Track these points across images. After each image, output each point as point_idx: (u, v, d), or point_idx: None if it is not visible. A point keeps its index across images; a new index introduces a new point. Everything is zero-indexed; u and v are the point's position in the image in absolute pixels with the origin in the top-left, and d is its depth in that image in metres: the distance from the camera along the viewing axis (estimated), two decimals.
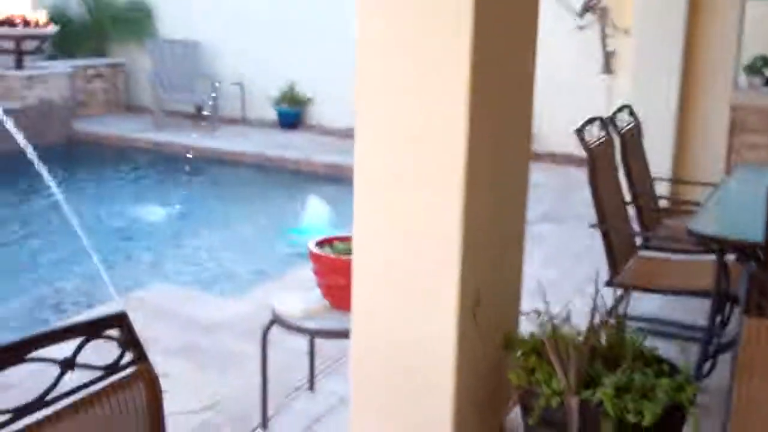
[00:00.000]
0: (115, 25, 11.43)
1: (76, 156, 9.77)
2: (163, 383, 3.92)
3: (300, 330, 3.34)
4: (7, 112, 9.48)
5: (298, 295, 3.50)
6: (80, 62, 11.06)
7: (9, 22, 9.74)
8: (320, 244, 3.42)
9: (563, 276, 5.39)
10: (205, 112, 10.73)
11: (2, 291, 5.59)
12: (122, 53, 11.66)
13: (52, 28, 10.19)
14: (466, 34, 2.50)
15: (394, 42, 2.70)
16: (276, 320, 3.39)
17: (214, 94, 10.41)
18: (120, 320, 1.65)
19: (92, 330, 1.61)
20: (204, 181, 8.69)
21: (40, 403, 1.50)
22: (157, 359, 3.98)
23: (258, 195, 8.39)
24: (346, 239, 3.29)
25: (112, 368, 1.63)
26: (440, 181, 2.67)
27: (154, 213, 7.58)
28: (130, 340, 1.66)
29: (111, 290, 4.48)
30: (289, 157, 9.16)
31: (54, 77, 10.09)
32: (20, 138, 4.60)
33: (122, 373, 1.65)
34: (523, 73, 3.11)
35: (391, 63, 2.72)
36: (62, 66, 10.55)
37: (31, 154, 4.25)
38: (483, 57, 2.57)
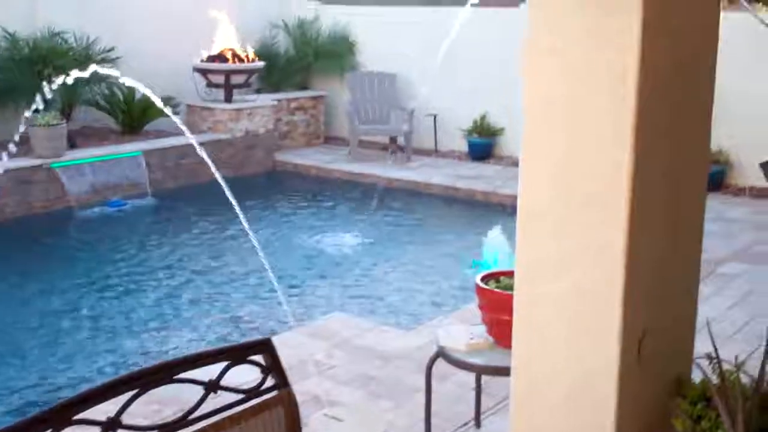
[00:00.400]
0: (318, 59, 11.96)
1: (275, 185, 10.28)
2: (336, 411, 4.04)
3: (463, 366, 3.33)
4: (216, 142, 10.20)
5: (464, 329, 3.50)
6: (284, 95, 11.66)
7: (221, 58, 10.43)
8: (486, 278, 3.40)
9: (749, 318, 5.06)
10: (399, 143, 11.01)
11: (190, 315, 5.94)
12: (323, 86, 12.18)
13: (259, 64, 10.81)
14: (633, 69, 2.42)
15: (558, 78, 2.66)
16: (441, 354, 3.40)
17: (408, 126, 10.64)
18: (264, 346, 1.72)
19: (238, 355, 1.69)
20: (393, 211, 8.87)
21: (183, 422, 1.59)
22: (331, 387, 4.13)
23: (444, 226, 8.46)
24: (512, 274, 3.25)
25: (253, 392, 1.70)
26: (604, 219, 2.59)
27: (342, 242, 7.83)
28: (273, 366, 1.73)
29: (290, 317, 4.65)
30: (477, 189, 9.19)
31: (259, 110, 10.70)
32: (213, 168, 4.88)
33: (264, 397, 1.71)
34: (697, 104, 2.96)
35: (557, 96, 2.68)
36: (267, 99, 11.16)
37: (224, 183, 4.50)
38: (651, 89, 2.48)
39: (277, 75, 11.97)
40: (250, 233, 5.19)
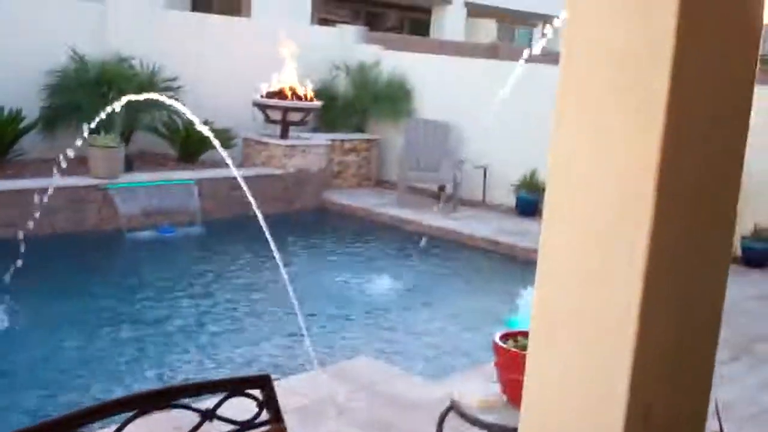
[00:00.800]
0: (376, 104, 12.16)
1: (322, 223, 10.43)
2: None
3: (474, 422, 3.36)
4: (268, 177, 10.41)
5: (479, 385, 3.54)
6: (339, 136, 11.86)
7: (280, 95, 10.68)
8: (505, 337, 3.44)
9: None
10: (447, 192, 11.10)
11: (211, 346, 6.05)
12: (378, 130, 12.36)
13: (317, 103, 11.04)
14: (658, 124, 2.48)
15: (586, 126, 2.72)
16: (453, 408, 3.44)
17: (457, 176, 10.73)
18: (263, 382, 1.80)
19: (237, 387, 1.78)
20: (434, 260, 8.93)
21: None
22: (348, 430, 4.18)
23: (482, 279, 8.48)
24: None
25: (247, 424, 1.77)
26: (616, 299, 2.63)
27: (377, 286, 7.90)
28: (268, 401, 1.80)
29: (312, 358, 4.72)
30: (520, 245, 9.19)
31: (313, 148, 10.90)
32: (254, 204, 5.01)
33: (256, 431, 1.79)
34: (725, 170, 2.99)
35: (579, 155, 2.74)
36: (322, 138, 11.36)
37: (262, 219, 4.61)
38: (676, 147, 2.52)
39: (334, 115, 12.20)
40: (285, 271, 5.28)
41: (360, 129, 12.48)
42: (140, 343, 6.03)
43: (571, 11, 2.84)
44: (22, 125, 9.00)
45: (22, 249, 6.42)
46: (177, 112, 10.12)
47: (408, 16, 25.33)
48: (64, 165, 7.16)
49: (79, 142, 7.17)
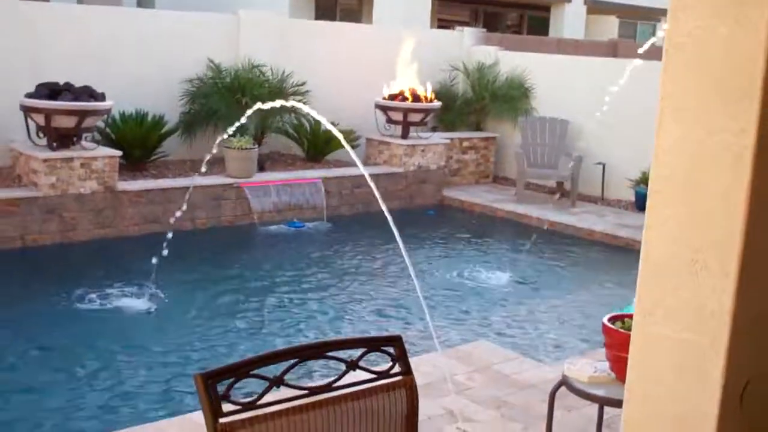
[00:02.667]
0: (494, 103, 12.46)
1: (441, 219, 10.81)
2: (468, 426, 4.44)
3: (583, 395, 3.67)
4: (389, 175, 10.86)
5: (590, 363, 3.84)
6: (457, 134, 12.22)
7: (401, 96, 11.12)
8: (613, 319, 3.73)
9: None
10: (565, 188, 11.30)
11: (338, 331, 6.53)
12: (496, 128, 12.65)
13: (437, 104, 11.42)
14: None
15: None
16: (564, 383, 3.75)
17: (575, 172, 10.91)
18: (395, 340, 2.19)
19: (373, 344, 2.18)
20: (550, 253, 9.18)
21: (328, 388, 2.09)
22: (467, 405, 4.54)
23: (600, 273, 8.67)
24: None
25: (383, 374, 2.17)
26: (713, 284, 2.88)
27: (496, 278, 8.21)
28: (400, 357, 2.19)
29: (435, 341, 5.09)
30: (638, 239, 9.30)
31: (432, 147, 11.29)
32: (380, 199, 5.42)
33: (390, 380, 2.18)
34: None
35: (678, 163, 3.00)
36: (441, 137, 11.74)
37: (388, 214, 4.99)
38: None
39: (453, 115, 12.57)
40: (409, 263, 5.68)
41: (478, 128, 12.80)
42: (280, 322, 6.60)
43: (672, 6, 3.08)
44: (164, 130, 9.75)
45: (167, 242, 7.08)
46: (305, 115, 10.72)
47: (527, 14, 25.40)
48: (203, 167, 7.83)
49: (215, 148, 7.80)
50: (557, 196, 11.20)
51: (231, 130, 7.63)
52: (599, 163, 11.24)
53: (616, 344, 3.66)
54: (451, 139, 11.94)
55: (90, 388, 5.27)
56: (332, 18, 19.63)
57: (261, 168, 10.08)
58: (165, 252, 7.02)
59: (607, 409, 4.00)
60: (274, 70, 10.71)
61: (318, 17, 19.20)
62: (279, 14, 12.64)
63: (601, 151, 11.20)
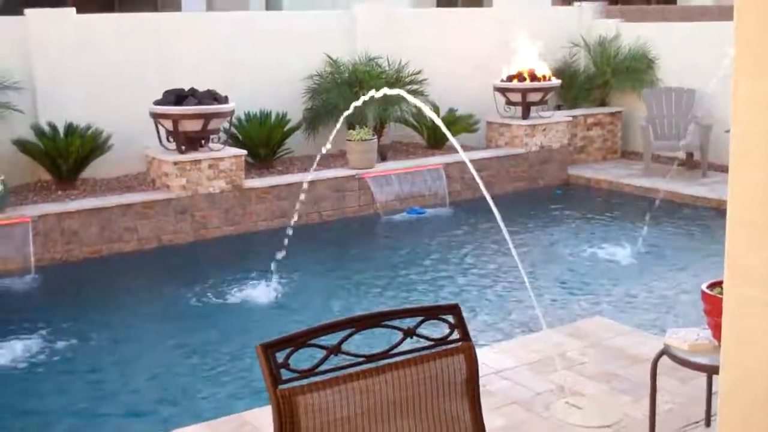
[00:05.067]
0: (617, 76, 12.17)
1: (567, 198, 10.69)
2: (577, 400, 4.45)
3: (685, 363, 3.62)
4: (512, 157, 10.83)
5: (693, 331, 3.77)
6: (581, 111, 12.02)
7: (519, 77, 11.05)
8: (712, 285, 3.65)
9: None
10: (695, 159, 10.93)
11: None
12: (622, 102, 12.36)
13: (555, 82, 11.27)
14: None
15: None
16: (665, 352, 3.70)
17: (704, 142, 10.54)
18: (452, 308, 2.27)
19: (431, 312, 2.26)
20: (678, 227, 8.93)
21: (386, 354, 2.19)
22: (578, 380, 4.54)
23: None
24: None
25: (441, 341, 2.25)
26: None
27: (621, 253, 8.07)
28: (458, 324, 2.27)
29: (540, 319, 5.10)
30: None
31: (554, 126, 11.16)
32: (482, 186, 5.45)
33: (449, 346, 2.26)
34: None
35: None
36: (562, 115, 11.58)
37: (490, 199, 5.01)
38: None
39: (576, 92, 12.36)
40: (532, 242, 5.69)
41: (603, 103, 12.54)
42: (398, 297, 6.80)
43: None
44: (287, 127, 10.09)
45: (296, 234, 7.37)
46: (424, 102, 10.82)
47: None
48: (326, 159, 8.07)
49: (329, 142, 8.00)
50: (689, 168, 10.84)
51: (341, 121, 7.82)
52: (729, 131, 10.76)
53: (715, 310, 3.58)
54: (575, 116, 11.76)
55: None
56: (454, 4, 19.64)
57: (383, 158, 10.27)
58: (292, 244, 7.31)
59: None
60: (390, 61, 10.87)
61: (439, 5, 19.24)
62: (396, 4, 12.78)
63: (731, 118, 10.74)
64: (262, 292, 7.14)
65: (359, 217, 9.54)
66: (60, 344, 6.04)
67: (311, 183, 8.81)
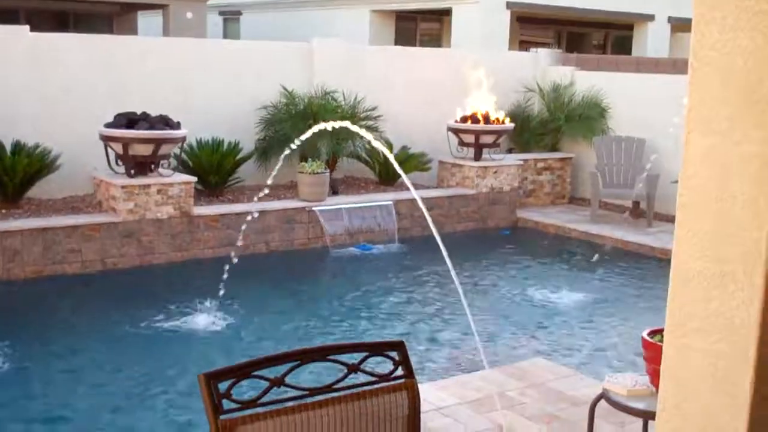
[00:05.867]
0: (570, 123, 12.40)
1: (514, 240, 10.79)
2: None
3: (622, 408, 3.66)
4: (462, 197, 10.92)
5: (630, 377, 3.82)
6: (533, 155, 12.20)
7: (473, 119, 11.18)
8: (653, 333, 3.72)
9: None
10: (641, 208, 11.14)
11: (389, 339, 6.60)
12: (573, 148, 12.57)
13: (509, 125, 11.43)
14: None
15: None
16: (603, 396, 3.75)
17: (652, 191, 10.75)
18: (398, 345, 2.27)
19: (377, 348, 2.26)
20: (624, 274, 9.06)
21: (329, 388, 2.18)
22: (516, 420, 4.55)
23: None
24: None
25: (385, 377, 2.25)
26: (741, 297, 2.88)
27: (566, 298, 8.16)
28: (402, 361, 2.27)
29: (483, 358, 5.12)
30: None
31: (505, 168, 11.30)
32: (432, 225, 5.49)
33: (392, 383, 2.26)
34: None
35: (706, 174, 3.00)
36: (513, 158, 11.74)
37: (439, 238, 5.03)
38: None
39: (528, 136, 12.55)
40: (474, 283, 5.72)
41: (554, 148, 12.74)
42: (341, 330, 6.74)
43: (696, 20, 3.10)
44: (239, 156, 10.06)
45: (243, 263, 7.31)
46: (378, 139, 10.88)
47: (612, 34, 25.13)
48: (277, 190, 8.04)
49: (272, 175, 7.97)
50: (634, 216, 11.04)
51: (287, 151, 7.82)
52: (676, 182, 10.99)
53: (655, 357, 3.64)
54: (526, 160, 11.92)
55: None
56: (412, 44, 19.87)
57: (334, 192, 10.28)
58: (238, 274, 7.25)
59: (652, 423, 3.97)
60: (346, 96, 10.93)
61: (398, 43, 19.47)
62: (358, 42, 12.89)
63: (678, 170, 10.97)
64: (204, 320, 7.07)
65: (308, 250, 9.51)
66: None
67: (261, 213, 8.78)
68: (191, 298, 7.46)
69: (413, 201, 10.37)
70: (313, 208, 9.63)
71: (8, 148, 8.73)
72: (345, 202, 10.05)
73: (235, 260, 7.36)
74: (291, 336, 6.88)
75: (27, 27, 9.45)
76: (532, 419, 4.67)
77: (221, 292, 7.17)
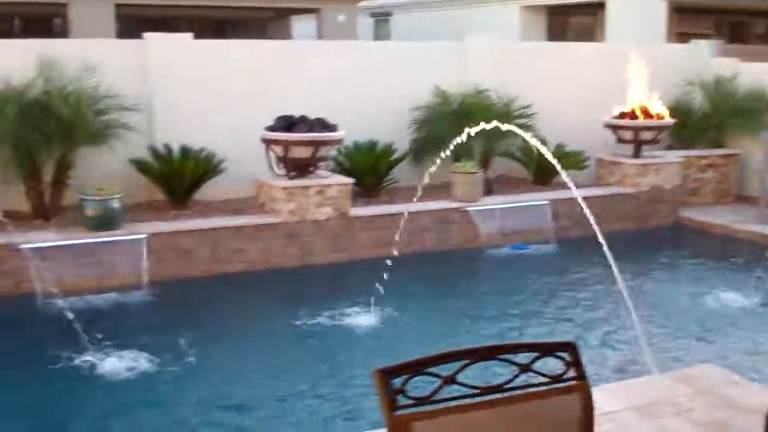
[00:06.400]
0: (734, 117, 11.82)
1: (676, 240, 10.39)
2: None
3: None
4: (621, 195, 10.63)
5: None
6: (693, 152, 11.70)
7: (631, 115, 10.85)
8: None
9: None
10: None
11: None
12: (738, 144, 11.98)
13: (669, 121, 11.02)
14: None
15: None
16: None
17: None
18: (568, 346, 2.23)
19: (547, 348, 2.23)
20: None
21: (500, 388, 2.17)
22: (685, 428, 4.38)
23: None
24: None
25: (556, 379, 2.22)
26: None
27: (730, 301, 7.78)
28: (574, 362, 2.23)
29: (649, 363, 4.96)
30: None
31: (666, 166, 10.90)
32: (594, 224, 5.35)
33: (563, 385, 2.22)
34: None
35: None
36: (675, 155, 11.30)
37: (601, 238, 4.89)
38: None
39: (689, 132, 12.07)
40: (632, 284, 5.56)
41: (718, 144, 12.18)
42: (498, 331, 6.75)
43: None
44: (393, 157, 10.17)
45: (399, 264, 7.39)
46: (533, 137, 10.74)
47: None
48: (431, 191, 8.07)
49: (427, 174, 7.98)
50: None
51: (445, 153, 7.83)
52: None
53: None
54: (688, 156, 11.46)
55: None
56: (563, 39, 19.50)
57: (489, 191, 10.22)
58: (395, 274, 7.32)
59: None
60: (500, 95, 10.85)
61: (549, 38, 19.16)
62: (507, 38, 12.79)
63: None
64: (365, 319, 7.18)
65: (462, 250, 9.50)
66: (168, 358, 6.20)
67: (415, 214, 8.84)
68: (350, 298, 7.60)
69: (568, 200, 10.13)
70: (467, 209, 9.62)
71: (176, 152, 9.17)
72: (499, 201, 9.98)
73: (391, 261, 7.44)
74: (448, 336, 6.91)
75: (190, 35, 9.91)
76: (701, 426, 4.48)
77: (378, 292, 7.26)
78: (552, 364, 2.28)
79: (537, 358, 2.22)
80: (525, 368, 2.19)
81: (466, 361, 2.16)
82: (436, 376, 2.13)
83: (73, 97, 8.27)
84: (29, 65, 8.33)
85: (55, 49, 8.68)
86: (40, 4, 14.38)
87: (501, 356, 2.19)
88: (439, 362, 2.15)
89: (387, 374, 2.09)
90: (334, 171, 9.41)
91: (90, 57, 8.56)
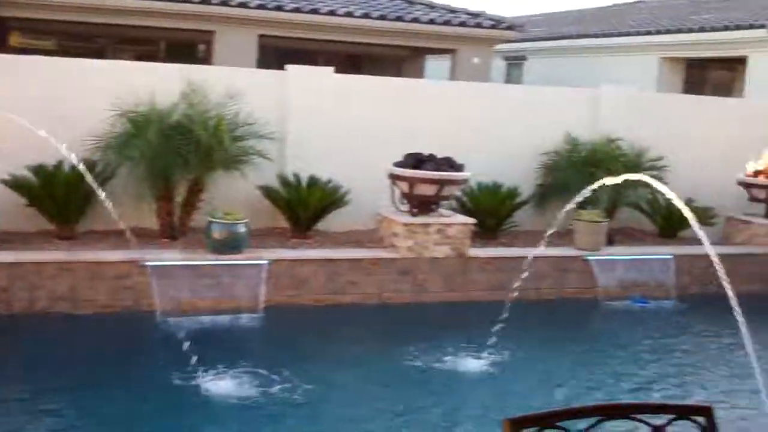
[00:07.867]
0: None
1: None
2: None
3: None
4: (747, 255, 10.22)
5: None
6: None
7: (766, 173, 10.46)
8: None
9: None
10: None
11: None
12: None
13: None
14: None
15: None
16: None
17: None
18: (706, 411, 2.16)
19: (683, 411, 2.17)
20: None
21: None
22: None
23: None
24: None
25: None
26: None
27: None
28: (710, 428, 2.15)
29: None
30: None
31: None
32: (726, 283, 5.16)
33: None
34: None
35: None
36: None
37: (733, 296, 4.71)
38: None
39: None
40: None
41: None
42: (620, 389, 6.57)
43: None
44: (517, 200, 10.11)
45: (513, 309, 7.29)
46: (660, 191, 10.47)
47: None
48: (551, 237, 7.96)
49: (556, 221, 7.85)
50: None
51: (575, 201, 7.72)
52: None
53: None
54: None
55: None
56: (701, 92, 18.95)
57: (610, 242, 10.01)
58: (510, 318, 7.22)
59: None
60: (631, 145, 10.65)
61: (686, 91, 18.67)
62: (645, 89, 12.56)
63: None
64: (477, 363, 7.12)
65: (578, 299, 9.32)
66: (275, 387, 6.24)
67: (534, 259, 8.72)
68: (461, 339, 7.54)
69: (693, 256, 9.84)
70: (588, 257, 9.44)
71: (304, 181, 9.37)
72: (621, 252, 9.76)
73: (506, 304, 7.35)
74: (565, 388, 6.75)
75: (332, 68, 10.15)
76: None
77: (491, 336, 7.19)
78: (680, 427, 2.22)
79: (672, 420, 2.16)
80: (659, 430, 2.13)
81: (599, 417, 2.13)
82: (565, 430, 2.10)
83: (213, 122, 8.56)
84: (174, 88, 8.66)
85: (201, 74, 9.02)
86: (189, 30, 14.99)
87: (635, 415, 2.14)
88: (571, 416, 2.12)
89: (517, 424, 2.08)
90: (455, 210, 9.42)
91: (233, 83, 8.86)
